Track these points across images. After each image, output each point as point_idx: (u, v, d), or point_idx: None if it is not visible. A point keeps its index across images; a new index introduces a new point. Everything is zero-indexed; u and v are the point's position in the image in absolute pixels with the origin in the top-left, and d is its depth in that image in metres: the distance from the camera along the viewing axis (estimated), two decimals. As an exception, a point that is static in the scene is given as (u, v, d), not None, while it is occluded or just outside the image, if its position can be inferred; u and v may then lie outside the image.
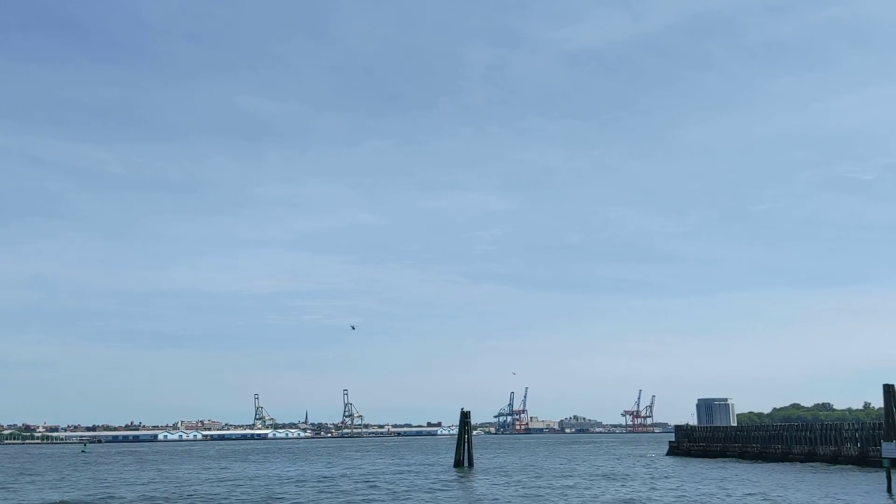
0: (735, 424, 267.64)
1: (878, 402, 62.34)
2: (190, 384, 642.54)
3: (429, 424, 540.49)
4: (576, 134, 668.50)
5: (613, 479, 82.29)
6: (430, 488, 71.66)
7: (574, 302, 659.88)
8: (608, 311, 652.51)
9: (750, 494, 59.96)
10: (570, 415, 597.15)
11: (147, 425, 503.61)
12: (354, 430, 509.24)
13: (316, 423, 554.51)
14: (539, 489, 69.92)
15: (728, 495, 59.68)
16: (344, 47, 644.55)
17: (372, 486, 74.77)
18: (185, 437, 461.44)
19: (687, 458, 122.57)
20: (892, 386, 59.24)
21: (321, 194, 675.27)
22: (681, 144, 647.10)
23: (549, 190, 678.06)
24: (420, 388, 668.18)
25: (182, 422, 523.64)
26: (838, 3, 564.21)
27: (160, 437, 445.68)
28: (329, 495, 65.94)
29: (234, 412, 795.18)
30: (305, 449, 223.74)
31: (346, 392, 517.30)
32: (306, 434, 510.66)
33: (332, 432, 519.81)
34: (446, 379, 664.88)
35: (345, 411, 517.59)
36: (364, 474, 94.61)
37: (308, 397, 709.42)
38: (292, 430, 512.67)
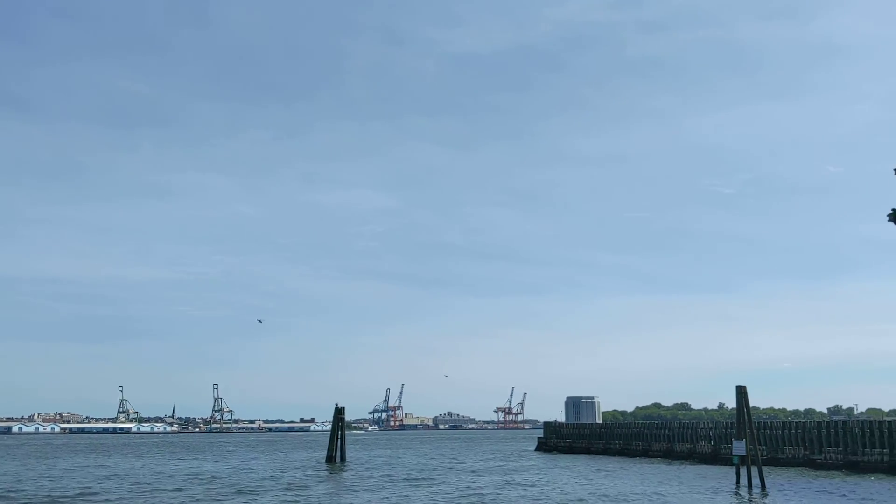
0: (600, 422, 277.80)
1: (732, 402, 66.03)
2: (49, 374, 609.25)
3: (302, 420, 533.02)
4: (458, 135, 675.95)
5: (481, 473, 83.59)
6: (303, 484, 70.61)
7: (451, 300, 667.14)
8: (485, 311, 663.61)
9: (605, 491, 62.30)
10: (444, 411, 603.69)
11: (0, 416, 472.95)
12: (224, 426, 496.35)
13: (184, 417, 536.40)
14: (412, 482, 70.19)
15: (587, 484, 61.74)
16: (225, 34, 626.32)
17: (239, 482, 72.97)
18: (41, 429, 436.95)
19: (554, 454, 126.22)
20: (744, 388, 62.87)
21: (197, 183, 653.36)
22: (560, 152, 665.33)
23: (431, 189, 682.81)
24: (294, 383, 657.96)
25: (38, 414, 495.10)
26: (711, 25, 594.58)
27: (14, 429, 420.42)
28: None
29: (96, 405, 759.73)
30: (161, 444, 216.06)
31: (216, 386, 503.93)
32: (173, 429, 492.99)
33: (200, 427, 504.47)
34: (321, 375, 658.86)
35: (214, 406, 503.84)
36: (235, 470, 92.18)
37: (176, 391, 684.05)
38: (158, 425, 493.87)
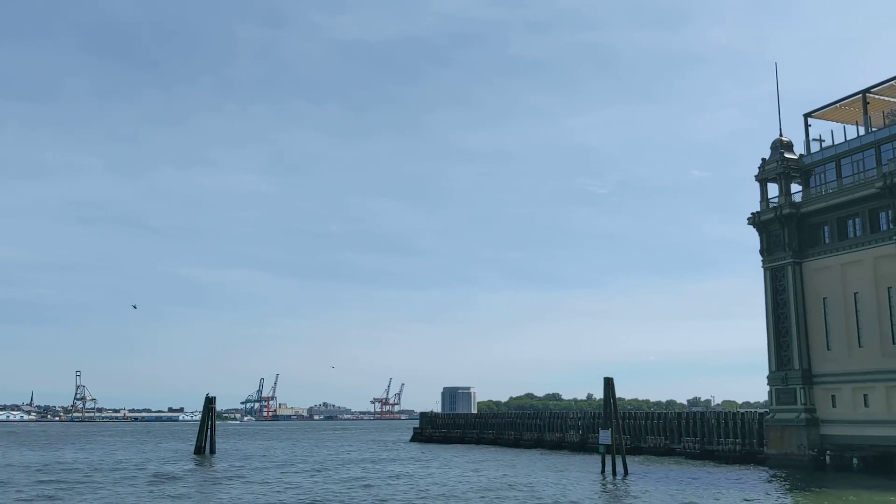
0: (475, 412, 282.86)
1: (600, 393, 68.69)
2: None
3: (170, 410, 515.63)
4: (344, 123, 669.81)
5: (353, 464, 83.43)
6: (171, 475, 68.37)
7: (330, 290, 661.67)
8: (364, 301, 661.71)
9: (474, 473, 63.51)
10: (319, 402, 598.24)
11: None
12: (86, 415, 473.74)
13: (42, 405, 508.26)
14: (283, 473, 69.23)
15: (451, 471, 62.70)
16: (102, 9, 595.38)
17: (100, 473, 69.88)
18: None
19: (429, 444, 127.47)
20: (611, 379, 65.42)
21: (65, 161, 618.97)
22: (446, 145, 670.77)
23: (313, 176, 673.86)
24: (163, 372, 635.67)
25: None
26: (590, 29, 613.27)
27: None
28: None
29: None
30: (20, 433, 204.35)
31: (78, 374, 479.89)
32: (31, 417, 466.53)
33: (60, 416, 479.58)
34: (192, 364, 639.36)
35: (76, 394, 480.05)
36: (98, 461, 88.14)
37: (35, 378, 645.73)
38: (14, 413, 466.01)
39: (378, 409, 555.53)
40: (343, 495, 53.38)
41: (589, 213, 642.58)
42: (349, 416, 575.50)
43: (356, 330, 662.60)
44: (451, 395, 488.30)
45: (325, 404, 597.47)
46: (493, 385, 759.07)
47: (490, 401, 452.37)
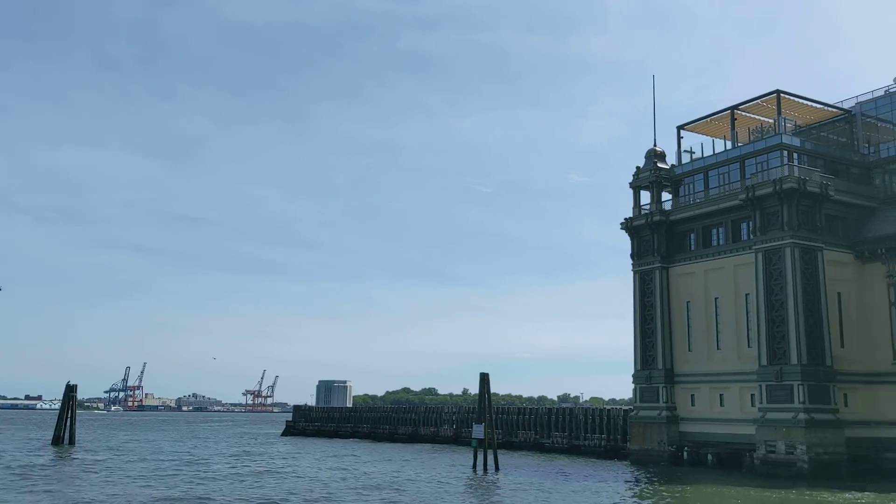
0: (351, 406, 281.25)
1: (476, 388, 69.84)
2: None
3: (27, 398, 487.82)
4: (227, 107, 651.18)
5: (218, 459, 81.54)
6: (25, 464, 64.65)
7: (203, 277, 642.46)
8: (238, 290, 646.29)
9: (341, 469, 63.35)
10: (188, 393, 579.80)
11: None
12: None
13: None
14: (143, 468, 66.80)
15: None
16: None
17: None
18: None
19: (302, 438, 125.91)
20: (487, 375, 66.57)
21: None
22: (331, 137, 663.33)
23: (192, 160, 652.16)
24: (19, 357, 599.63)
25: None
26: (480, 30, 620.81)
27: None
28: None
29: None
30: None
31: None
32: None
33: None
34: (53, 349, 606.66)
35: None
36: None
37: None
38: None
39: (250, 402, 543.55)
40: (205, 491, 52.06)
41: (475, 211, 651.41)
42: (220, 408, 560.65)
43: (228, 318, 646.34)
44: (327, 388, 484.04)
45: (194, 395, 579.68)
46: (371, 379, 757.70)
47: (366, 395, 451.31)
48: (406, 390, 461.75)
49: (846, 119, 73.72)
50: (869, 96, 73.03)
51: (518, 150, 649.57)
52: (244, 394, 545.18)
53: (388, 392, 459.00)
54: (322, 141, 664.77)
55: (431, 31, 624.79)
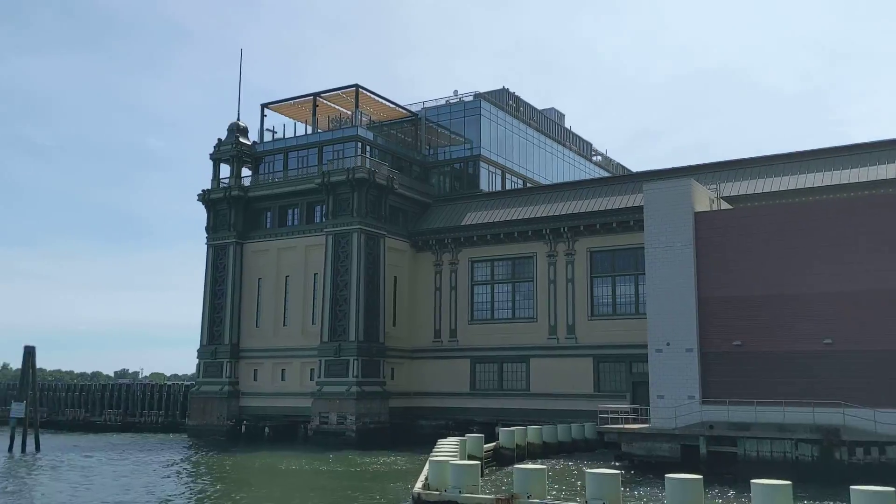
0: None
1: (18, 363, 63.04)
2: None
3: None
4: None
5: None
6: None
7: None
8: None
9: None
10: None
11: None
12: None
13: None
14: None
15: None
16: None
17: None
18: None
19: None
20: (33, 348, 60.21)
21: None
22: None
23: None
24: None
25: None
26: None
27: None
28: None
29: None
30: None
31: None
32: None
33: None
34: None
35: None
36: None
37: None
38: None
39: None
40: None
41: (33, 165, 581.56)
42: None
43: None
44: None
45: None
46: None
47: None
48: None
49: (413, 121, 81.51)
50: (433, 104, 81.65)
51: (91, 104, 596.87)
52: None
53: None
54: None
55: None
